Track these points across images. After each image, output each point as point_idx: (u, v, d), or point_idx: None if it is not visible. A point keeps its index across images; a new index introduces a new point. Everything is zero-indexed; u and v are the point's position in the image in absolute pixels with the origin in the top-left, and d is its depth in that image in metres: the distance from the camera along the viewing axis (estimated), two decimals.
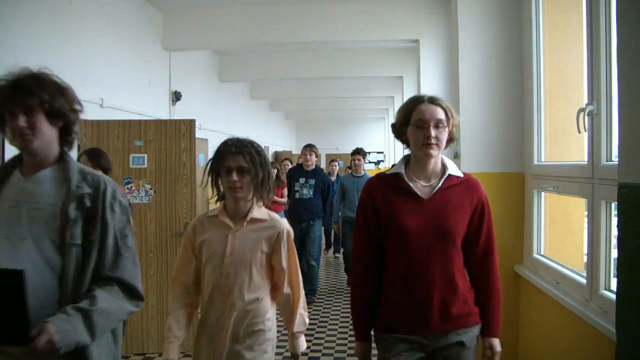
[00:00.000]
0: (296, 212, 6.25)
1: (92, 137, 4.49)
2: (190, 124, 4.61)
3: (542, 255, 3.37)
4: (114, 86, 5.28)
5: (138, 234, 4.46)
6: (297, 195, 6.25)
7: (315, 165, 6.42)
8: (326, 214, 6.55)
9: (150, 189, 4.57)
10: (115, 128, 4.57)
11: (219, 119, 9.08)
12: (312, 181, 6.26)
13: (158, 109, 6.42)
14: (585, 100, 2.61)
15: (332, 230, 8.03)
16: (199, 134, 7.83)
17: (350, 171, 7.12)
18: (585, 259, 2.84)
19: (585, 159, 2.67)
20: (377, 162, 18.94)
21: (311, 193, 6.22)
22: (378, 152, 18.88)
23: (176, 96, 6.89)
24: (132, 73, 5.77)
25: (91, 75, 4.84)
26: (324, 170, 7.42)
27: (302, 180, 6.25)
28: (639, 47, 1.81)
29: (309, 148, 6.44)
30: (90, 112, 4.68)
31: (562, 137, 3.32)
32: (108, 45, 5.21)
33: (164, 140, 4.56)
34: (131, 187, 4.55)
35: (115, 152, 4.51)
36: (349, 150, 7.80)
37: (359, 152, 6.81)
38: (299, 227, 6.11)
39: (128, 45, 5.65)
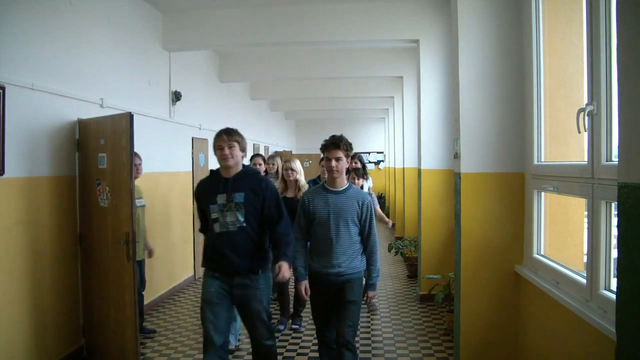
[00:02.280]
0: (219, 260, 3.32)
1: (86, 136, 4.42)
2: (127, 117, 3.96)
3: (542, 255, 3.38)
4: (114, 86, 5.28)
5: (103, 239, 4.28)
6: (217, 229, 3.30)
7: (244, 166, 3.47)
8: (284, 248, 3.32)
9: (108, 191, 4.19)
10: (91, 126, 4.36)
11: (219, 119, 9.09)
12: (239, 197, 3.30)
13: (158, 109, 6.42)
14: (585, 100, 2.61)
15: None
16: (199, 134, 7.89)
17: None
18: (585, 259, 2.85)
19: (585, 159, 2.67)
20: (377, 162, 18.94)
21: (241, 219, 3.28)
22: (378, 152, 18.90)
23: (176, 96, 6.88)
24: (132, 73, 5.77)
25: (91, 75, 4.84)
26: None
27: (221, 198, 3.31)
28: (639, 47, 1.81)
29: (228, 135, 3.35)
30: (90, 112, 4.68)
31: (562, 137, 3.33)
32: (108, 45, 5.21)
33: (115, 138, 4.12)
34: (100, 188, 4.27)
35: (91, 151, 4.33)
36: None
37: (337, 146, 3.42)
38: (226, 288, 3.31)
39: (128, 45, 5.65)
